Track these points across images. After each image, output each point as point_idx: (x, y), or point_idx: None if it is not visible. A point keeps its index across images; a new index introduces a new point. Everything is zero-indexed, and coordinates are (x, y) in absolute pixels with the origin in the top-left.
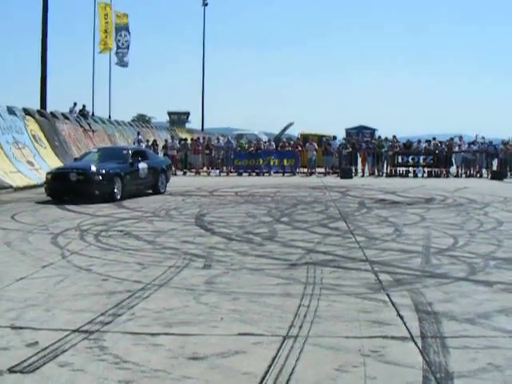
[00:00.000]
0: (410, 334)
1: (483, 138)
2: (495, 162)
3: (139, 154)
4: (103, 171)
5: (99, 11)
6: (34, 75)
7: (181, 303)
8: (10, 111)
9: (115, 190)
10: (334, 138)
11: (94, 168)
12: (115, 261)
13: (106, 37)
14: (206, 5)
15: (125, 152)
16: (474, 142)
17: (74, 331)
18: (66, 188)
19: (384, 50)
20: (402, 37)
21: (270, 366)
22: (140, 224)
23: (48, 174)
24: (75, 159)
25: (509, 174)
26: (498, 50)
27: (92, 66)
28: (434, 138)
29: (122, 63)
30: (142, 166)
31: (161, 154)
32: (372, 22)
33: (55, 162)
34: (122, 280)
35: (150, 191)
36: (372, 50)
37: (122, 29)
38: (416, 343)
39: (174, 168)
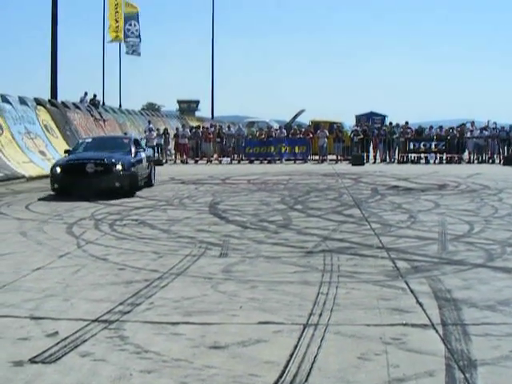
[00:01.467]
0: (431, 321)
1: (495, 123)
2: (507, 148)
3: (137, 144)
4: (124, 162)
5: (109, 0)
6: (45, 66)
7: (199, 292)
8: (22, 101)
9: (139, 183)
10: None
11: (115, 158)
12: (131, 250)
13: (117, 26)
14: None
15: (126, 141)
16: (485, 128)
17: (93, 321)
18: (82, 182)
19: (395, 35)
20: (412, 22)
21: (291, 355)
22: (154, 213)
23: (56, 166)
24: (69, 151)
25: None
26: (509, 35)
27: (102, 56)
28: (441, 127)
29: (134, 52)
30: (143, 156)
31: (172, 143)
32: (382, 7)
33: None
34: (139, 269)
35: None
36: (383, 35)
37: (132, 18)
38: (437, 331)
39: (185, 156)
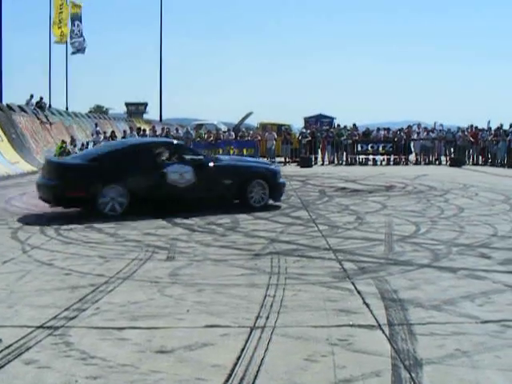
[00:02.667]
0: (377, 321)
1: (441, 125)
2: (453, 150)
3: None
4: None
5: (55, 1)
6: None
7: (146, 296)
8: None
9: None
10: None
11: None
12: (77, 254)
13: (60, 27)
14: None
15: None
16: (432, 130)
17: (38, 327)
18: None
19: (341, 36)
20: (360, 23)
21: (238, 358)
22: (101, 216)
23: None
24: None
25: (467, 160)
26: (455, 38)
27: (48, 58)
28: (389, 129)
29: (79, 50)
30: None
31: None
32: (331, 7)
33: (13, 156)
34: (85, 274)
35: None
36: (330, 37)
37: (76, 18)
38: (383, 331)
39: None
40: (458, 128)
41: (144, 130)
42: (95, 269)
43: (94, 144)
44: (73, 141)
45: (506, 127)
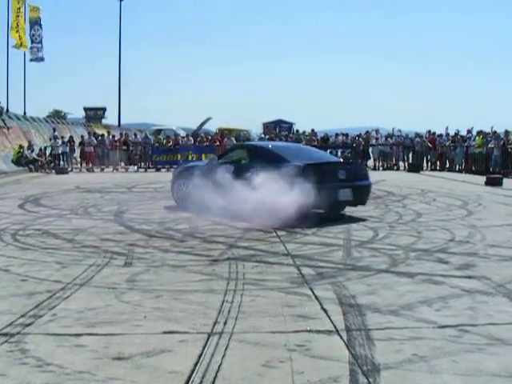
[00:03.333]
0: (335, 327)
1: (400, 131)
2: (411, 155)
3: None
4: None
5: (12, 5)
6: None
7: (103, 302)
8: None
9: None
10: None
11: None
12: (34, 260)
13: (18, 31)
14: (121, 0)
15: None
16: (390, 136)
17: None
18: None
19: (301, 42)
20: (320, 29)
21: (196, 364)
22: (58, 222)
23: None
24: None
25: (425, 166)
26: (412, 44)
27: (6, 63)
28: (347, 135)
29: (38, 58)
30: None
31: (77, 151)
32: (291, 13)
33: None
34: (42, 280)
35: None
36: (289, 42)
37: (35, 23)
38: (341, 336)
39: (91, 164)
40: (416, 134)
41: (102, 135)
42: (52, 275)
43: (52, 149)
44: (30, 146)
45: (463, 133)
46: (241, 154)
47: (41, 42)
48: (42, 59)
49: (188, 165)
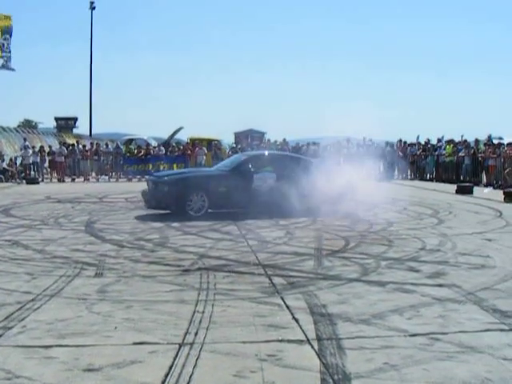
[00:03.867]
0: (306, 336)
1: (370, 140)
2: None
3: None
4: None
5: None
6: None
7: (73, 313)
8: None
9: None
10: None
11: None
12: (3, 271)
13: None
14: (93, 8)
15: None
16: (361, 145)
17: None
18: None
19: (270, 51)
20: (292, 35)
21: (166, 375)
22: (28, 233)
23: None
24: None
25: (396, 175)
26: (382, 51)
27: None
28: (318, 144)
29: (9, 67)
30: None
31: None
32: (262, 21)
33: None
34: (11, 291)
35: None
36: (259, 51)
37: (6, 32)
38: (312, 346)
39: (61, 174)
40: (387, 143)
41: (73, 145)
42: (22, 286)
43: (23, 159)
44: (0, 155)
45: (433, 142)
46: None
47: (10, 51)
48: (12, 69)
49: None
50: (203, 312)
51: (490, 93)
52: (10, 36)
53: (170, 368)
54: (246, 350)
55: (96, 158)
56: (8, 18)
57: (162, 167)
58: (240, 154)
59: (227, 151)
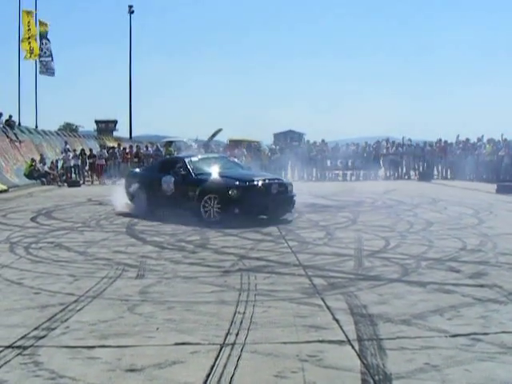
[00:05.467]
0: (347, 337)
1: (410, 140)
2: (422, 164)
3: None
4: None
5: (23, 18)
6: None
7: (115, 314)
8: None
9: None
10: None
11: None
12: (47, 273)
13: (30, 43)
14: (132, 12)
15: None
16: (401, 145)
17: (7, 347)
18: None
19: (309, 51)
20: (324, 35)
21: (208, 375)
22: (70, 235)
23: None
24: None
25: (436, 174)
26: (422, 53)
27: (18, 75)
28: (358, 144)
29: (48, 72)
30: None
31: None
32: (298, 20)
33: None
34: (55, 293)
35: None
36: (294, 50)
37: (44, 37)
38: (353, 346)
39: (102, 177)
40: (425, 142)
41: (113, 148)
42: (65, 287)
43: (64, 162)
44: (42, 159)
45: (473, 141)
46: None
47: (51, 55)
48: (52, 73)
49: None
50: (244, 313)
51: None
52: (49, 41)
53: (212, 368)
54: (286, 351)
55: (136, 160)
56: (45, 24)
57: None
58: None
59: (267, 152)
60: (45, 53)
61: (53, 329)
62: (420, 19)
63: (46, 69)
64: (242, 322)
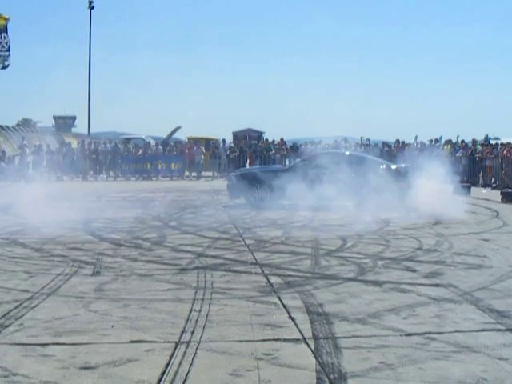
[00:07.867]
0: (302, 335)
1: (368, 140)
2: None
3: None
4: None
5: None
6: None
7: (70, 312)
8: None
9: None
10: (224, 141)
11: None
12: (1, 270)
13: None
14: (92, 8)
15: None
16: (359, 145)
17: None
18: None
19: (266, 51)
20: (288, 37)
21: (163, 373)
22: (26, 231)
23: None
24: None
25: None
26: (381, 51)
27: None
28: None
29: (3, 66)
30: None
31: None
32: (256, 21)
33: None
34: (9, 289)
35: None
36: (257, 50)
37: (2, 31)
38: (308, 345)
39: (60, 173)
40: (384, 143)
41: (71, 144)
42: (20, 284)
43: (21, 158)
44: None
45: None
46: None
47: (8, 49)
48: (6, 66)
49: None
50: (200, 311)
51: (486, 93)
52: (7, 34)
53: (167, 366)
54: (242, 349)
55: (94, 157)
56: (5, 18)
57: (159, 166)
58: None
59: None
60: (3, 47)
61: (6, 326)
62: (371, 17)
63: (2, 63)
64: (197, 320)
